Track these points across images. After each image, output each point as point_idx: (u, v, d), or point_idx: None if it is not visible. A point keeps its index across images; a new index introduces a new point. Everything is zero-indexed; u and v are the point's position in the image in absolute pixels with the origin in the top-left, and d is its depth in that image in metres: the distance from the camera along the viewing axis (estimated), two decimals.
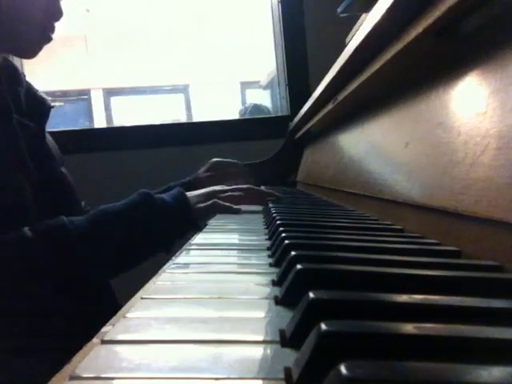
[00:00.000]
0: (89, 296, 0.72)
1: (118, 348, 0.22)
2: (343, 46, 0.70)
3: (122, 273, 0.75)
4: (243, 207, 0.85)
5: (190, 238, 0.56)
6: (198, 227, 0.76)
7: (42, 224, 0.66)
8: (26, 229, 0.65)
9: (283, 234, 0.43)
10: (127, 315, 0.26)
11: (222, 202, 0.82)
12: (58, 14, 0.79)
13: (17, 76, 0.84)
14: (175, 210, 0.76)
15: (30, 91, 0.85)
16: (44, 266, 0.64)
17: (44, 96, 0.88)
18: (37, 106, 0.84)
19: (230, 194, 0.87)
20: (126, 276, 0.79)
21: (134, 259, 0.74)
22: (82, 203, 1.03)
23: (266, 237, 0.54)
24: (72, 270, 0.66)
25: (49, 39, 0.80)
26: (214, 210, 0.82)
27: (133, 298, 0.30)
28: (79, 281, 0.68)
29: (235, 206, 0.83)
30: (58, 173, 0.86)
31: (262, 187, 1.09)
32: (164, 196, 0.78)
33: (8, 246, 0.63)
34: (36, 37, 0.78)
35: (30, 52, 0.80)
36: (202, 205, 0.81)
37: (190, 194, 0.83)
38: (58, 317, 0.66)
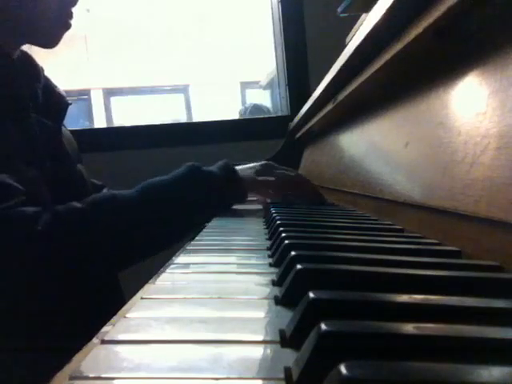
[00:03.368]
0: (98, 296, 0.72)
1: (118, 348, 0.22)
2: (343, 45, 0.70)
3: (170, 245, 0.74)
4: (243, 207, 0.85)
5: (190, 238, 0.56)
6: (244, 200, 0.78)
7: (90, 197, 0.67)
8: (75, 202, 0.65)
9: (283, 234, 0.43)
10: (127, 315, 0.26)
11: (281, 172, 0.83)
12: None
13: (35, 71, 0.83)
14: (223, 180, 0.76)
15: (49, 87, 0.85)
16: (94, 239, 0.64)
17: (62, 93, 0.88)
18: (54, 103, 0.84)
19: (284, 172, 0.86)
20: (126, 276, 0.79)
21: (183, 231, 0.73)
22: (105, 190, 1.04)
23: (266, 237, 0.54)
24: (121, 242, 0.67)
25: (68, 26, 0.79)
26: (274, 185, 0.82)
27: (133, 298, 0.30)
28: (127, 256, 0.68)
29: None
30: (73, 171, 0.85)
31: None
32: (211, 168, 0.78)
33: (59, 217, 0.63)
34: (54, 24, 0.77)
35: (50, 41, 0.79)
36: (258, 178, 0.81)
37: (242, 167, 0.83)
38: (59, 317, 0.66)
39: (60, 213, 0.63)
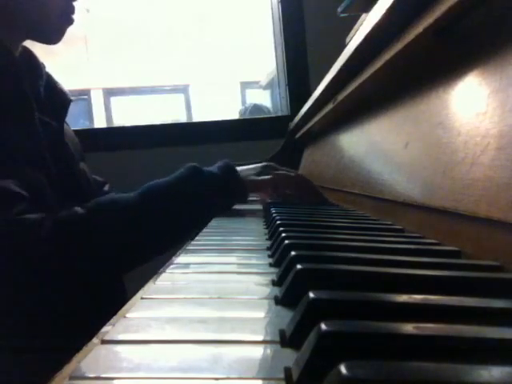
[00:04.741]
0: (100, 296, 0.72)
1: (118, 348, 0.22)
2: (343, 45, 0.70)
3: (172, 247, 0.73)
4: (243, 207, 0.85)
5: (190, 238, 0.56)
6: (246, 200, 0.77)
7: (92, 201, 0.67)
8: (76, 207, 0.65)
9: (283, 234, 0.43)
10: (127, 315, 0.26)
11: (282, 173, 0.82)
12: None
13: (37, 68, 0.82)
14: (224, 180, 0.76)
15: (50, 83, 0.84)
16: (97, 243, 0.64)
17: (64, 89, 0.87)
18: (56, 100, 0.83)
19: (284, 172, 0.86)
20: (126, 276, 0.79)
21: (185, 232, 0.73)
22: (106, 186, 1.03)
23: (266, 237, 0.54)
24: (123, 246, 0.67)
25: (71, 21, 0.78)
26: (274, 183, 0.82)
27: (133, 298, 0.30)
28: (127, 260, 0.68)
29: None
30: (76, 170, 0.85)
31: None
32: (211, 168, 0.78)
33: (62, 223, 0.63)
34: (58, 19, 0.77)
35: (53, 36, 0.78)
36: (257, 178, 0.81)
37: (242, 167, 0.83)
38: (59, 317, 0.66)
39: (62, 219, 0.63)
